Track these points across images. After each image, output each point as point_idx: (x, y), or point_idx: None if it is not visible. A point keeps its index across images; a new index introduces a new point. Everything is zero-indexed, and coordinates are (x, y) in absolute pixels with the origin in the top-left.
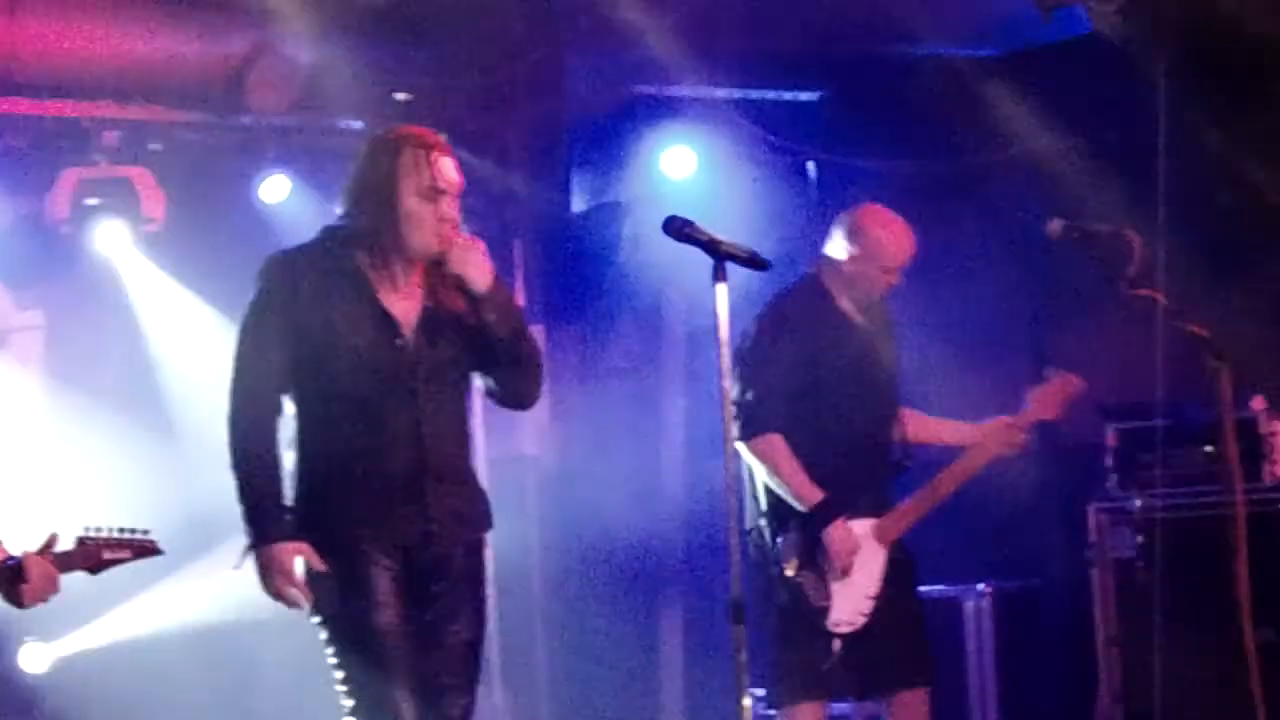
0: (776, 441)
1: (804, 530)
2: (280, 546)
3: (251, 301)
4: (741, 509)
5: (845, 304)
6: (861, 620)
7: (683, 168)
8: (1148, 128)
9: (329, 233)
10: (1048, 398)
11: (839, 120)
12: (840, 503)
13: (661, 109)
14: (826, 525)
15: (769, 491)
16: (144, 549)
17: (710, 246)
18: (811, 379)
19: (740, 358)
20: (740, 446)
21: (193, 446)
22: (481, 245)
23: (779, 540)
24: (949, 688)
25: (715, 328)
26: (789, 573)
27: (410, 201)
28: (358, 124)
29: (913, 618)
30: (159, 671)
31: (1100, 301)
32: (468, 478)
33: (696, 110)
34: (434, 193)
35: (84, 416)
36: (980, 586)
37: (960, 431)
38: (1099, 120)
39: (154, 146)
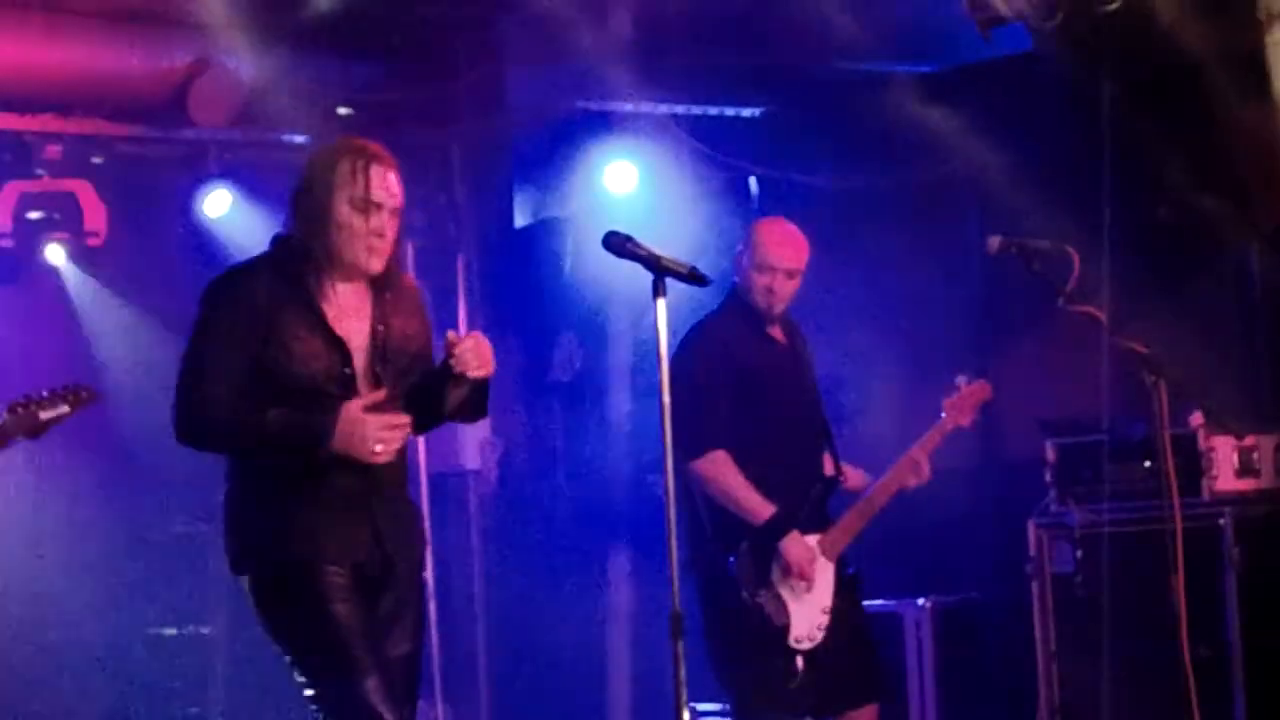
0: (723, 458)
1: (756, 548)
2: (347, 410)
3: (201, 322)
4: (682, 524)
5: (763, 319)
6: (820, 635)
7: (625, 183)
8: (1088, 144)
9: (277, 244)
10: (961, 404)
11: (780, 136)
12: (792, 516)
13: (603, 124)
14: (782, 538)
15: (714, 514)
16: (79, 399)
17: (650, 262)
18: (746, 395)
19: (675, 380)
20: (689, 467)
21: (138, 460)
22: (486, 344)
23: (731, 562)
24: (891, 701)
25: (655, 342)
26: (744, 594)
27: (342, 211)
28: (300, 138)
29: (862, 633)
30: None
31: (1041, 318)
32: (407, 496)
33: (638, 125)
34: (366, 204)
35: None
36: (920, 601)
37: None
38: (1039, 137)
39: (96, 160)
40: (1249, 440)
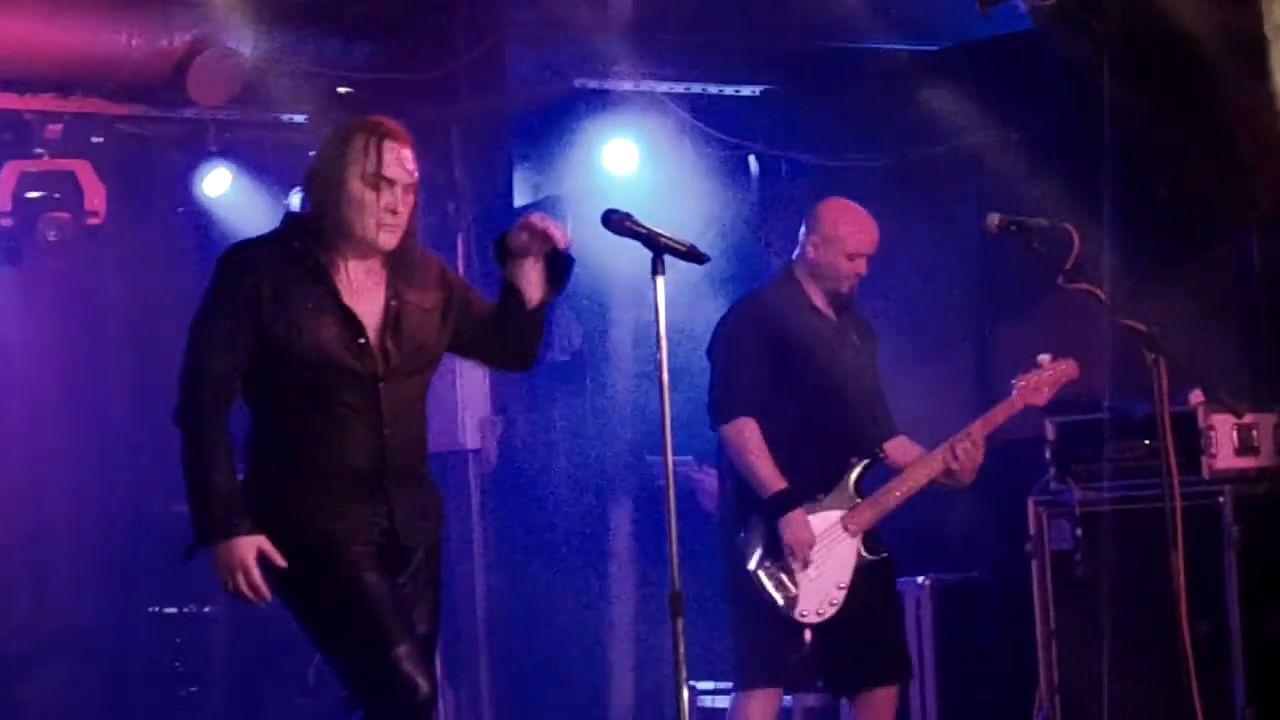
0: (748, 426)
1: (764, 521)
2: (245, 540)
3: (210, 292)
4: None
5: (816, 297)
6: (831, 610)
7: (625, 162)
8: (1087, 123)
9: (290, 220)
10: (1040, 382)
11: (781, 115)
12: (800, 494)
13: (603, 103)
14: (783, 515)
15: (735, 483)
16: None
17: (649, 239)
18: (781, 369)
19: (714, 346)
20: (718, 431)
21: (138, 438)
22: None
23: (741, 533)
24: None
25: (655, 320)
26: (750, 565)
27: (354, 186)
28: (300, 118)
29: (890, 614)
30: None
31: (1040, 296)
32: (426, 476)
33: (639, 104)
34: (378, 179)
35: (31, 411)
36: (920, 579)
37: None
38: (1038, 115)
39: (96, 139)
40: (1248, 418)
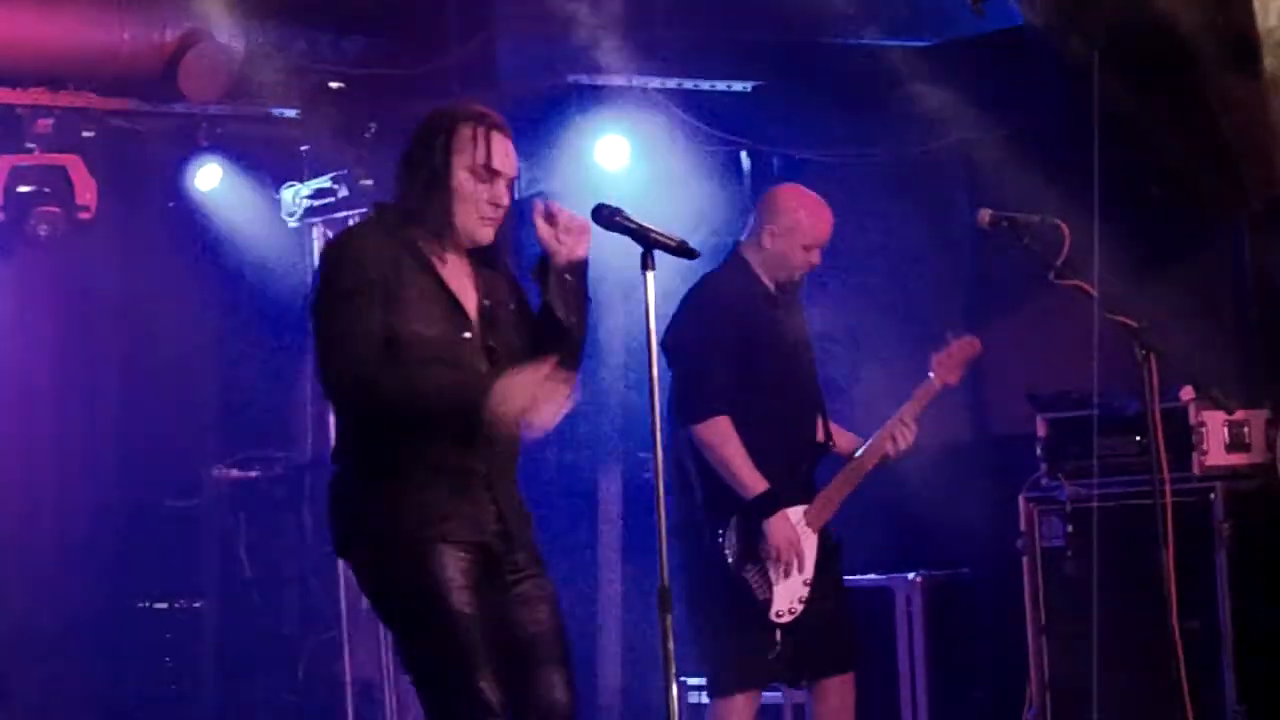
0: (725, 424)
1: (745, 523)
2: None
3: (327, 283)
4: (670, 499)
5: (769, 285)
6: (799, 608)
7: (616, 157)
8: (1079, 119)
9: (383, 210)
10: (949, 362)
11: (773, 111)
12: (783, 495)
13: (595, 98)
14: (769, 516)
15: (708, 482)
16: None
17: (639, 234)
18: (745, 361)
19: (678, 342)
20: (691, 431)
21: (128, 434)
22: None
23: (720, 534)
24: (880, 676)
25: (645, 316)
26: (731, 568)
27: (461, 177)
28: (290, 112)
29: (842, 603)
30: None
31: (1032, 292)
32: (517, 480)
33: (630, 100)
34: (487, 172)
35: (20, 407)
36: (911, 576)
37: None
38: (1030, 111)
39: (87, 134)
40: (1239, 415)
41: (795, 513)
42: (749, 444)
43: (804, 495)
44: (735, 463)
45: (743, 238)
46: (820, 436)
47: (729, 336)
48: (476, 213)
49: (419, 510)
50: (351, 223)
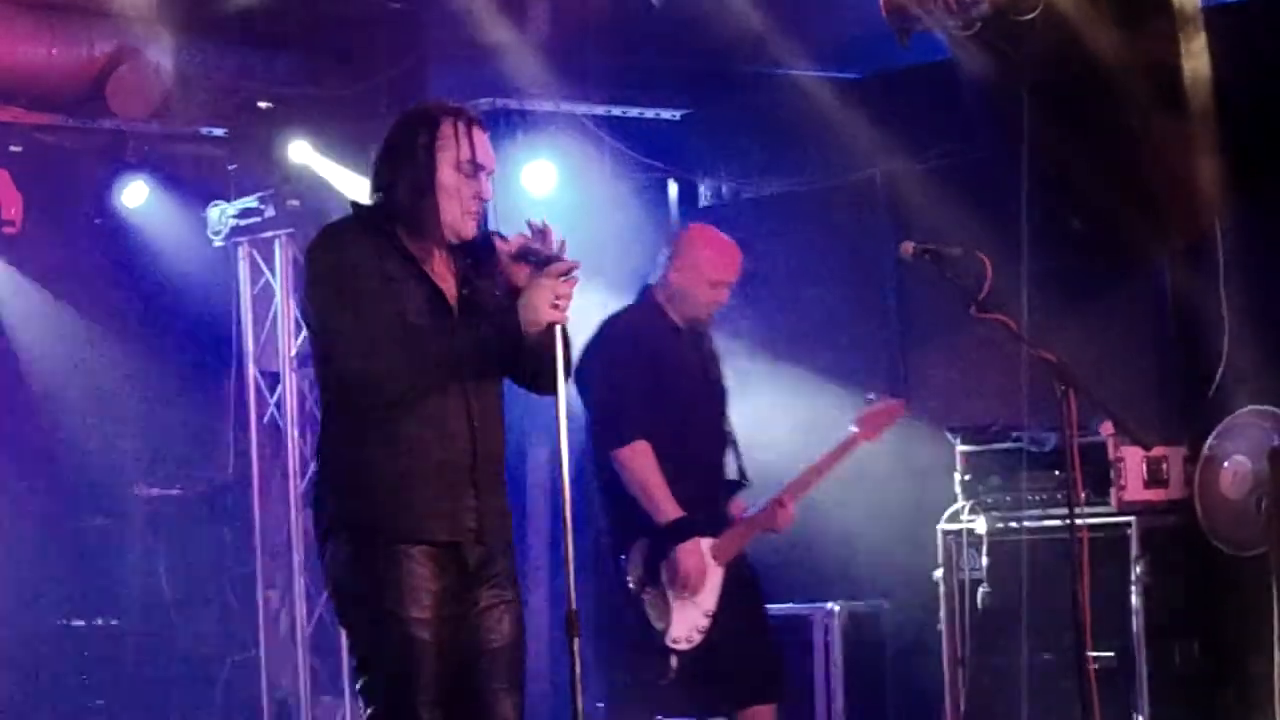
0: (645, 448)
1: (652, 546)
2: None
3: (322, 283)
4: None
5: (677, 321)
6: (698, 637)
7: (543, 182)
8: (1005, 152)
9: (361, 209)
10: (873, 420)
11: (700, 139)
12: (698, 523)
13: (524, 123)
14: (681, 543)
15: (615, 507)
16: None
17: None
18: (655, 393)
19: (589, 374)
20: (612, 455)
21: (51, 452)
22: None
23: (623, 556)
24: (797, 706)
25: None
26: (633, 590)
27: (446, 174)
28: (219, 131)
29: (760, 633)
30: None
31: (954, 325)
32: (503, 474)
33: (559, 125)
34: (473, 167)
35: None
36: (829, 605)
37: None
38: (955, 144)
39: (14, 149)
40: (1158, 451)
41: (704, 543)
42: (669, 476)
43: (713, 528)
44: (653, 487)
45: (652, 277)
46: (732, 473)
47: (641, 364)
48: (462, 208)
49: (400, 508)
50: (280, 239)
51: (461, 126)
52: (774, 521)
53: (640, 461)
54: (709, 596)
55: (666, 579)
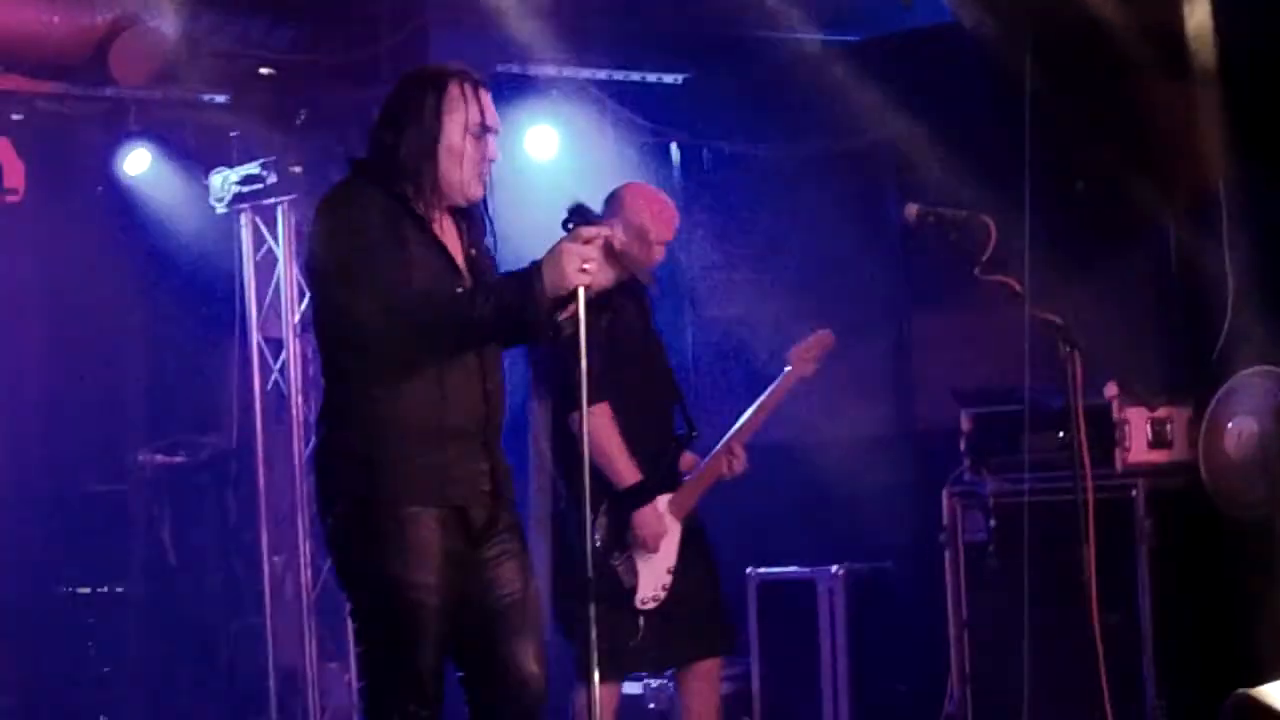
0: (604, 412)
1: (614, 512)
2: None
3: (340, 230)
4: (533, 482)
5: (629, 274)
6: (663, 595)
7: (546, 148)
8: (1008, 116)
9: (366, 168)
10: (805, 354)
11: (703, 103)
12: (656, 485)
13: (526, 88)
14: (641, 507)
15: (575, 474)
16: None
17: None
18: (609, 351)
19: None
20: (572, 418)
21: (54, 417)
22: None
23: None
24: (801, 669)
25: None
26: (600, 556)
27: (455, 136)
28: (221, 98)
29: (708, 586)
30: None
31: (958, 287)
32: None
33: (561, 90)
34: (482, 129)
35: None
36: (833, 568)
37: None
38: (959, 107)
39: (16, 117)
40: (1162, 412)
41: (661, 501)
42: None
43: (668, 484)
44: (613, 451)
45: None
46: (681, 429)
47: (596, 327)
48: (473, 170)
49: (414, 472)
50: (283, 206)
51: (469, 88)
52: (728, 469)
53: (600, 425)
54: (669, 553)
55: (631, 540)
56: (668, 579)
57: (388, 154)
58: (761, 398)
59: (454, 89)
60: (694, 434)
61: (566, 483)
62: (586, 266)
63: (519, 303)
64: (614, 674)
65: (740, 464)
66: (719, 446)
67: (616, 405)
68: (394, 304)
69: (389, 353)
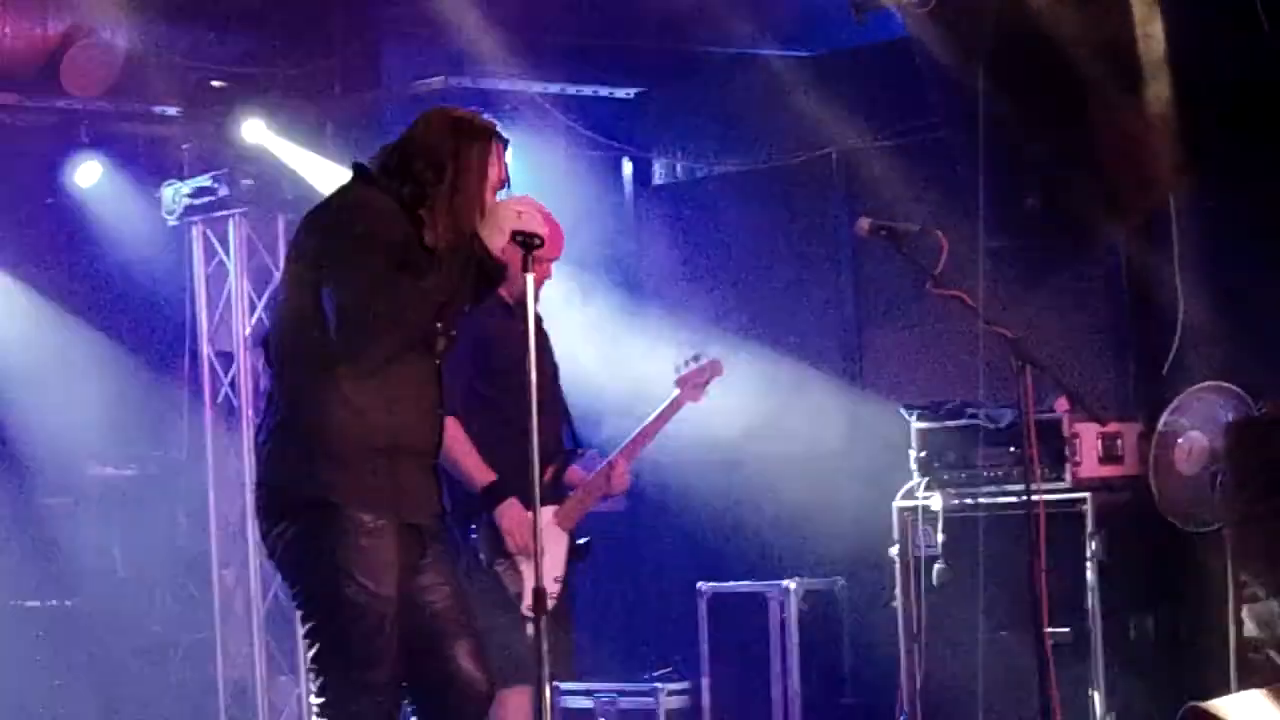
0: (453, 424)
1: (489, 521)
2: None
3: (362, 227)
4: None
5: (506, 298)
6: (551, 603)
7: None
8: (960, 130)
9: (386, 183)
10: (696, 379)
11: (655, 118)
12: (509, 485)
13: (478, 102)
14: (498, 505)
15: (452, 484)
16: None
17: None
18: (486, 365)
19: None
20: None
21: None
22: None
23: (472, 530)
24: (752, 683)
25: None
26: (484, 563)
27: (489, 196)
28: (172, 110)
29: (569, 607)
30: None
31: (910, 301)
32: None
33: (512, 104)
34: (502, 186)
35: None
36: (785, 583)
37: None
38: (912, 122)
39: None
40: (1113, 427)
41: (546, 513)
42: (495, 445)
43: (554, 496)
44: (461, 458)
45: None
46: (568, 443)
47: (467, 344)
48: (499, 230)
49: (378, 486)
50: (234, 218)
51: (499, 148)
52: (610, 486)
53: (448, 436)
54: (557, 563)
55: (510, 547)
56: (555, 588)
57: (416, 183)
58: (645, 422)
59: (491, 145)
60: (580, 450)
61: (450, 497)
62: (521, 209)
63: (461, 269)
64: (518, 679)
65: (623, 482)
66: (602, 464)
67: (494, 418)
68: (393, 309)
69: (353, 353)
